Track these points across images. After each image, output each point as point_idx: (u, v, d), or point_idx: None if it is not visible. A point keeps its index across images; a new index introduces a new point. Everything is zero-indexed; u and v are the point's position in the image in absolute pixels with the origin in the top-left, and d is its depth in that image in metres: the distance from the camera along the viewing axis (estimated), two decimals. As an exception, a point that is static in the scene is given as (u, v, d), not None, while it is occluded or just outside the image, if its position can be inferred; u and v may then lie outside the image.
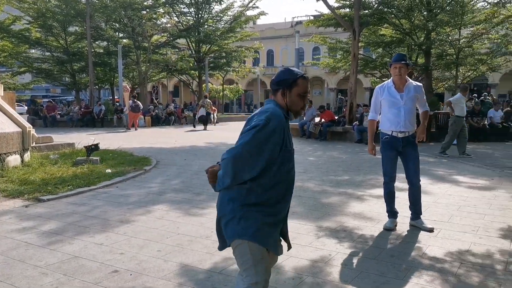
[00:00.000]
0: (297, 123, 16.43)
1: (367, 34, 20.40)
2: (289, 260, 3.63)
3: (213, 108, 23.34)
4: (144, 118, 22.20)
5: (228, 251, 3.80)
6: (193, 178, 7.42)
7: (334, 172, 8.07)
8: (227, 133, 18.34)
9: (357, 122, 14.27)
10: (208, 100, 21.94)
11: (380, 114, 4.62)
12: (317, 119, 15.65)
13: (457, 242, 4.08)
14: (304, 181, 7.15)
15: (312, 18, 23.67)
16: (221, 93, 38.12)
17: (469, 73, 21.86)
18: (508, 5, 18.46)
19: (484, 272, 3.39)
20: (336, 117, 16.39)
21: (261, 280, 2.23)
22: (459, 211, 5.28)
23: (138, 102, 20.45)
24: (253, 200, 2.22)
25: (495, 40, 20.01)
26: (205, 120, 20.49)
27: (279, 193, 2.27)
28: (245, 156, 2.16)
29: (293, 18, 61.43)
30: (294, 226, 4.61)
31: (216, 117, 23.93)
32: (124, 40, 28.30)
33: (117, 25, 27.63)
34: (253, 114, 2.32)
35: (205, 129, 19.79)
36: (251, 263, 2.22)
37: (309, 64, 35.25)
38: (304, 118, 16.09)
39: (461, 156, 10.39)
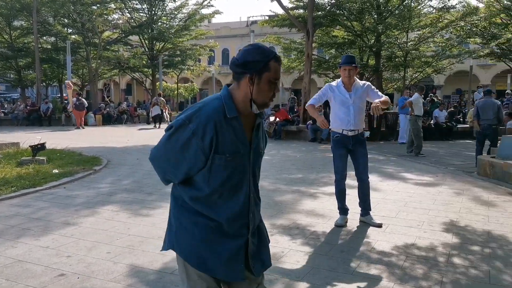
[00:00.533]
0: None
1: (320, 35, 20.79)
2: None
3: (166, 107, 23.18)
4: (95, 117, 21.50)
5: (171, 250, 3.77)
6: (145, 177, 7.26)
7: (288, 171, 8.16)
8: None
9: (311, 121, 14.51)
10: (162, 98, 21.79)
11: (320, 110, 4.71)
12: (272, 118, 15.80)
13: (404, 237, 4.24)
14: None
15: (267, 18, 23.81)
16: (176, 92, 37.57)
17: (416, 75, 22.81)
18: (452, 10, 19.46)
19: (428, 264, 3.54)
20: (290, 116, 16.61)
21: None
22: (405, 206, 5.49)
23: (83, 99, 19.85)
24: (193, 207, 1.81)
25: (440, 44, 21.01)
26: (159, 118, 20.43)
27: (224, 208, 1.80)
28: (161, 159, 1.84)
29: (248, 17, 61.58)
30: (247, 224, 4.61)
31: (168, 115, 23.74)
32: (73, 36, 27.22)
33: (66, 20, 26.60)
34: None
35: (158, 127, 19.70)
36: (185, 279, 1.85)
37: (264, 64, 35.42)
38: (259, 117, 16.18)
39: (408, 153, 10.81)
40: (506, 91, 17.66)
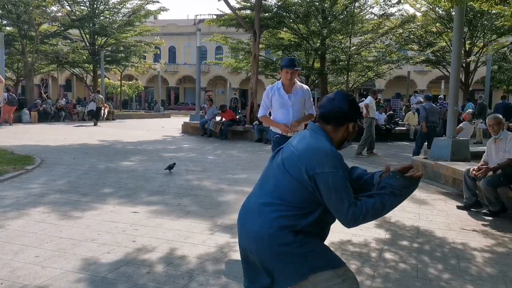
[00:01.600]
0: (198, 122, 16.35)
1: (267, 36, 20.99)
2: (181, 259, 3.56)
3: (105, 104, 22.67)
4: (30, 114, 20.36)
5: (117, 254, 3.64)
6: (81, 178, 6.96)
7: (232, 171, 8.15)
8: (123, 130, 17.60)
9: (257, 122, 14.61)
10: (100, 95, 21.40)
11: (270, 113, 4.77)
12: (218, 118, 15.73)
13: (341, 234, 4.34)
14: (202, 180, 7.11)
15: (214, 17, 23.69)
16: (119, 89, 36.45)
17: (359, 78, 23.65)
18: (392, 17, 20.35)
19: (361, 260, 3.66)
20: (237, 117, 16.62)
21: None
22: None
23: (14, 95, 18.89)
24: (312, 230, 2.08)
25: (380, 49, 21.92)
26: (94, 115, 20.14)
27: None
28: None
29: (196, 16, 60.92)
30: (188, 225, 4.55)
31: (106, 113, 23.22)
32: (8, 28, 25.64)
33: (0, 11, 24.98)
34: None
35: (95, 124, 19.25)
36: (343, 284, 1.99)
37: (212, 63, 35.31)
38: (206, 117, 16.08)
39: (357, 155, 11.09)
40: (439, 96, 18.71)
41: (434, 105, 11.02)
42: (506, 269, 3.56)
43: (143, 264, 3.46)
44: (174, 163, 7.91)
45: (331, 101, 2.11)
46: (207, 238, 4.14)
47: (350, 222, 1.93)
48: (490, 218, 5.17)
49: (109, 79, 38.17)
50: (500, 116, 5.56)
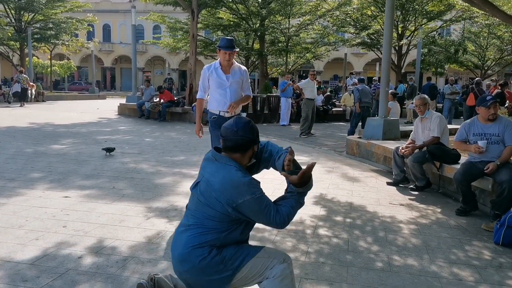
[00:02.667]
0: (135, 103, 15.85)
1: (206, 15, 20.63)
2: (115, 242, 3.47)
3: (30, 83, 21.48)
4: (-51, 95, 18.72)
5: (46, 241, 3.47)
6: (7, 162, 6.52)
7: (171, 153, 8.02)
8: (54, 112, 16.68)
9: (196, 103, 14.41)
10: (24, 75, 20.42)
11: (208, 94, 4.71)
12: (156, 99, 15.33)
13: (278, 213, 4.44)
14: (138, 163, 6.93)
15: (151, -6, 22.82)
16: (49, 69, 34.34)
17: (298, 60, 24.00)
18: (329, 0, 20.74)
19: (297, 237, 3.76)
20: (175, 98, 16.28)
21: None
22: (281, 185, 5.74)
23: None
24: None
25: (318, 31, 22.33)
26: (21, 96, 19.52)
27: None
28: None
29: (132, -8, 58.37)
30: (123, 208, 4.43)
31: (34, 93, 21.97)
32: None
33: None
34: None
35: (22, 105, 18.45)
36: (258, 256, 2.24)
37: (149, 43, 34.20)
38: (143, 98, 15.61)
39: (301, 136, 11.28)
40: (374, 78, 19.49)
41: (366, 87, 11.53)
42: (428, 239, 3.82)
43: (74, 249, 3.33)
44: (114, 148, 7.65)
45: (235, 133, 2.24)
46: (143, 221, 4.06)
47: (280, 225, 2.21)
48: (416, 193, 5.51)
49: (38, 58, 35.81)
50: (426, 96, 5.88)
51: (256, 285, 2.28)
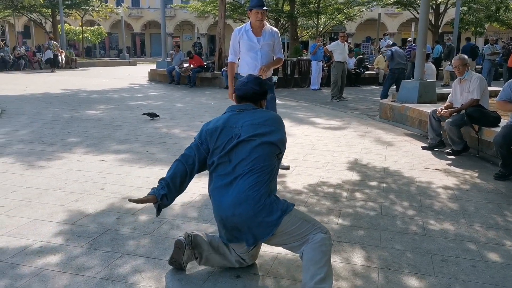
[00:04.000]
0: (165, 69, 15.91)
1: (235, -23, 20.18)
2: (151, 204, 3.54)
3: (60, 50, 21.91)
4: (-13, 62, 19.31)
5: (85, 202, 3.60)
6: (45, 127, 6.73)
7: (201, 118, 8.06)
8: (87, 79, 17.00)
9: (225, 68, 14.33)
10: (54, 42, 20.95)
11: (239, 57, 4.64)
12: (186, 65, 15.33)
13: (309, 177, 4.43)
14: (170, 128, 7.01)
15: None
16: (81, 36, 34.74)
17: (329, 22, 23.31)
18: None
19: (331, 201, 3.75)
20: (205, 63, 16.23)
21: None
22: (313, 149, 5.72)
23: None
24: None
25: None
26: (52, 62, 20.08)
27: None
28: None
29: (160, -44, 57.47)
30: (156, 172, 4.52)
31: (64, 58, 22.43)
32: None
33: None
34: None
35: (53, 71, 19.08)
36: (305, 219, 2.34)
37: (178, 7, 33.96)
38: (173, 63, 15.64)
39: (332, 100, 11.09)
40: (408, 39, 18.75)
41: (400, 49, 11.11)
42: (465, 204, 3.73)
43: (112, 210, 3.44)
44: (158, 115, 7.79)
45: (245, 84, 2.51)
46: (177, 184, 4.12)
47: None
48: (452, 157, 5.36)
49: (69, 25, 36.26)
50: (466, 56, 5.61)
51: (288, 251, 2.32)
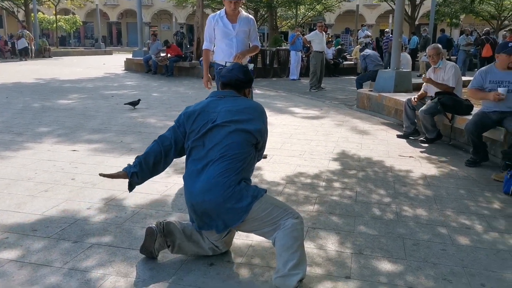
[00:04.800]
0: (141, 58, 15.65)
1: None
2: (124, 194, 3.48)
3: (32, 39, 21.55)
4: (-45, 51, 18.65)
5: (56, 192, 3.50)
6: (15, 117, 6.54)
7: (178, 107, 7.96)
8: (61, 68, 16.60)
9: (203, 57, 14.16)
10: (27, 31, 20.46)
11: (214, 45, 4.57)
12: (163, 54, 15.11)
13: (286, 166, 4.42)
14: (146, 117, 6.90)
15: None
16: (55, 25, 33.85)
17: (308, 12, 23.30)
18: None
19: (308, 189, 3.75)
20: (183, 52, 16.02)
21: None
22: (290, 138, 5.71)
23: None
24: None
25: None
26: (26, 51, 20.29)
27: None
28: None
29: None
30: (131, 161, 4.41)
31: (34, 48, 21.96)
32: None
33: None
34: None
35: (25, 60, 18.86)
36: (276, 205, 2.33)
37: (155, -4, 33.37)
38: (149, 53, 15.39)
39: (311, 90, 11.08)
40: (385, 30, 18.90)
41: (374, 53, 10.43)
42: (438, 190, 3.78)
43: (83, 200, 3.36)
44: (139, 100, 7.69)
45: (230, 71, 2.53)
46: (151, 173, 4.05)
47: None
48: (426, 145, 5.43)
49: (43, 14, 35.26)
50: (439, 46, 5.67)
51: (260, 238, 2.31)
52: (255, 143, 2.39)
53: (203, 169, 2.29)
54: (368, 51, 10.47)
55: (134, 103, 7.58)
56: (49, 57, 23.15)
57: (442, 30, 17.72)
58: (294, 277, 2.11)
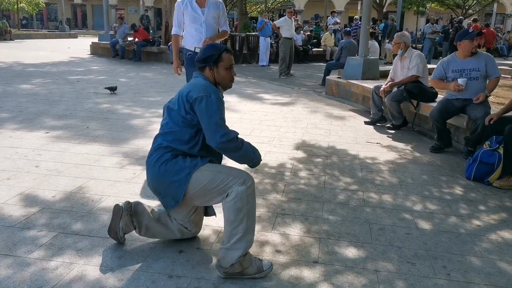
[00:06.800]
0: (108, 42, 15.23)
1: None
2: (90, 182, 3.41)
3: None
4: None
5: (19, 180, 3.39)
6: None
7: (146, 93, 7.82)
8: (22, 51, 15.96)
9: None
10: None
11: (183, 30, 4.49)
12: (130, 38, 14.73)
13: (255, 152, 4.42)
14: (113, 103, 6.74)
15: None
16: (16, 6, 32.40)
17: (277, -2, 23.18)
18: None
19: (275, 177, 3.78)
20: (150, 37, 15.67)
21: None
22: (260, 125, 5.72)
23: None
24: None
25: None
26: None
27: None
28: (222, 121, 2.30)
29: None
30: (97, 148, 4.34)
31: None
32: None
33: None
34: (182, 93, 2.31)
35: None
36: (219, 171, 2.28)
37: (122, -22, 32.40)
38: (116, 37, 14.98)
39: (281, 76, 11.07)
40: (355, 17, 19.06)
41: (352, 42, 10.43)
42: (403, 176, 3.89)
43: (48, 188, 3.27)
44: (116, 86, 7.64)
45: (201, 50, 2.45)
46: (119, 160, 3.99)
47: (219, 137, 2.22)
48: (392, 131, 5.56)
49: (3, -7, 33.62)
50: (407, 33, 5.78)
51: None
52: (194, 123, 2.28)
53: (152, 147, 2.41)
54: (344, 42, 10.14)
55: (112, 88, 7.56)
56: (10, 39, 22.21)
57: (382, 20, 18.04)
58: (236, 252, 2.17)
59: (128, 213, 2.42)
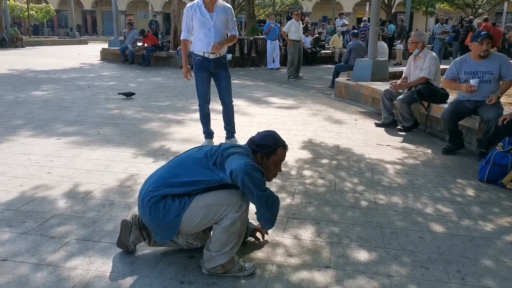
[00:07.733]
0: (118, 48, 15.36)
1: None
2: (102, 187, 3.43)
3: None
4: None
5: (31, 187, 3.43)
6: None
7: (156, 98, 7.86)
8: (33, 58, 16.15)
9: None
10: None
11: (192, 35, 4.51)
12: (139, 44, 14.85)
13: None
14: (123, 108, 6.79)
15: None
16: (27, 13, 32.84)
17: (285, 1, 23.21)
18: None
19: (283, 179, 3.76)
20: (159, 42, 15.77)
21: None
22: (269, 128, 5.69)
23: None
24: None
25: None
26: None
27: None
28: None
29: None
30: (108, 154, 4.37)
31: (6, 38, 21.28)
32: None
33: None
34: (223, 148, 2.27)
35: None
36: (210, 204, 2.18)
37: (130, -17, 32.70)
38: (126, 42, 15.11)
39: (289, 79, 11.07)
40: (363, 18, 18.99)
41: (361, 44, 10.53)
42: (414, 178, 3.85)
43: (60, 195, 3.29)
44: (134, 93, 7.79)
45: (258, 135, 2.40)
46: (129, 166, 4.01)
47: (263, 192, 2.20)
48: (403, 133, 5.51)
49: (14, 1, 34.12)
50: (424, 33, 5.73)
51: None
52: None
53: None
54: (352, 44, 10.24)
55: (128, 94, 7.62)
56: (22, 46, 22.50)
57: (390, 21, 17.99)
58: (220, 261, 2.20)
59: (137, 227, 2.41)
